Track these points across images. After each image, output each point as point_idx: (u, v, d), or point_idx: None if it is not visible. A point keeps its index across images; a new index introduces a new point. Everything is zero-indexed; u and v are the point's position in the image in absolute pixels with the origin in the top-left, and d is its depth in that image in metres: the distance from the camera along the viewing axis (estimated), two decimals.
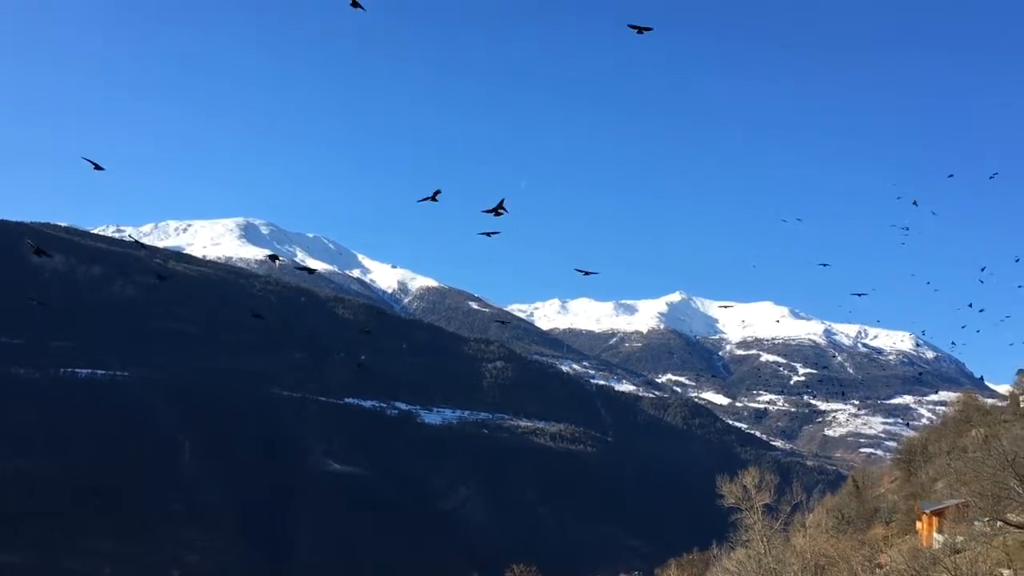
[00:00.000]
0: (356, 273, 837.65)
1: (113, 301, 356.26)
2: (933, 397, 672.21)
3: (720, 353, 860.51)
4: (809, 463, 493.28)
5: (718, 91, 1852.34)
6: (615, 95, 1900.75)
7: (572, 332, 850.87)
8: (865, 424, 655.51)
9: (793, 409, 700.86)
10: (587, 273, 38.39)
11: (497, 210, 27.39)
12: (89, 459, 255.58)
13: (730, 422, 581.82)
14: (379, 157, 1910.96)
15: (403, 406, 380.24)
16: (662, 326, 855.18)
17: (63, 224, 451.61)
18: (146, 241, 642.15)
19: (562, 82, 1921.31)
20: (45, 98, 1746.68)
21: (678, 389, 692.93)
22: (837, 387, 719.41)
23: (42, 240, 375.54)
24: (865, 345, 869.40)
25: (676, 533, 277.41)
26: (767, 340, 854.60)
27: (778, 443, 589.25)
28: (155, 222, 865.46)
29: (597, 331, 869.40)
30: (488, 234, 27.63)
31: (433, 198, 28.57)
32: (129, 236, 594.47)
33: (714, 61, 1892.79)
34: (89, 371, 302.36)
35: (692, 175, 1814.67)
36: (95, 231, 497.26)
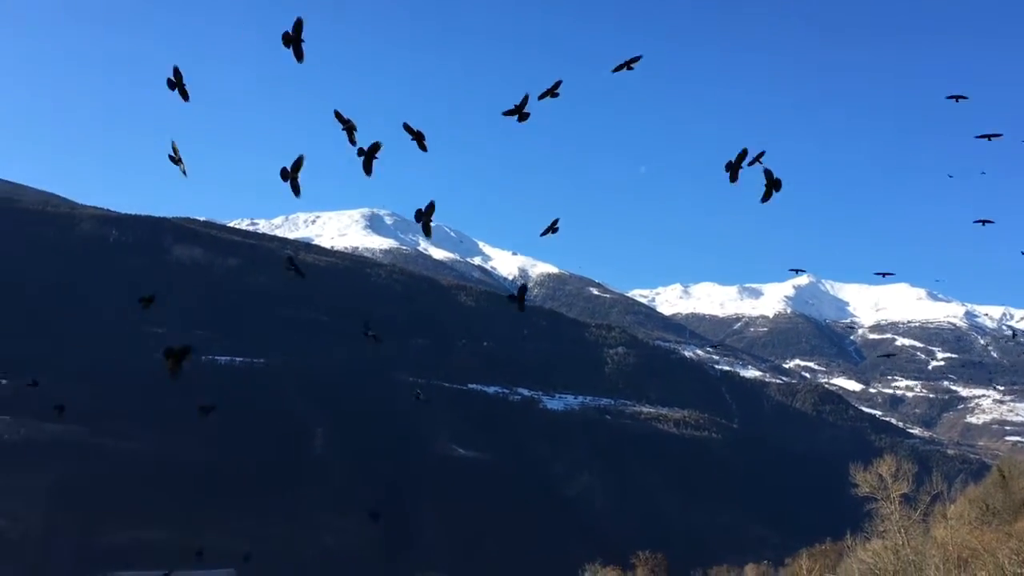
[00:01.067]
0: (477, 260, 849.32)
1: (248, 291, 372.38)
2: None
3: (852, 338, 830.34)
4: (950, 452, 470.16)
5: (833, 71, 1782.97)
6: (732, 77, 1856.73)
7: (695, 317, 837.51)
8: (1012, 411, 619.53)
9: (932, 395, 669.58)
10: (983, 223, 33.93)
11: (520, 112, 23.27)
12: (229, 443, 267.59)
13: (863, 409, 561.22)
14: (498, 148, 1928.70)
15: (525, 392, 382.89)
16: (789, 310, 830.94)
17: (201, 219, 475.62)
18: (277, 233, 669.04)
19: (678, 66, 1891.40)
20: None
21: (807, 375, 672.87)
22: (981, 372, 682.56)
23: (181, 234, 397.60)
24: (1011, 327, 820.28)
25: (806, 523, 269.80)
26: (903, 323, 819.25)
27: (915, 431, 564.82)
28: (286, 215, 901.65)
29: (721, 316, 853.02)
30: (520, 114, 23.24)
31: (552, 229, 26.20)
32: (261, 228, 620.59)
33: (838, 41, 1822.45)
34: (228, 358, 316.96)
35: (817, 153, 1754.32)
36: (230, 224, 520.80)
